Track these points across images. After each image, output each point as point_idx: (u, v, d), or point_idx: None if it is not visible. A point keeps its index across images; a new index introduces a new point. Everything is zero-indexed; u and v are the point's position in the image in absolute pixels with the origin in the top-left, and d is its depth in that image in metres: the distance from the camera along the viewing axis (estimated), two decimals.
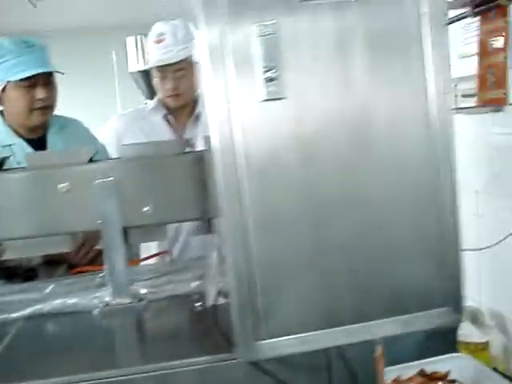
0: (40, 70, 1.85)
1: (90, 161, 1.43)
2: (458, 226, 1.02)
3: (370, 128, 0.97)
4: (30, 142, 1.96)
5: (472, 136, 2.73)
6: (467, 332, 2.73)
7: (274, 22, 0.92)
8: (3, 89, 1.88)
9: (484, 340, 2.66)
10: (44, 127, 2.01)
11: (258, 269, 0.95)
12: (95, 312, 1.39)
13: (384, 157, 0.98)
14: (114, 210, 1.37)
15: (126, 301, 1.41)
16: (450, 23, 1.96)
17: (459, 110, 2.69)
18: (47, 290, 1.52)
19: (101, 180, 1.37)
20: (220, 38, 0.91)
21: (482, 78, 1.87)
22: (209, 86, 0.92)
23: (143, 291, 1.48)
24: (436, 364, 2.24)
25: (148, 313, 1.37)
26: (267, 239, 0.95)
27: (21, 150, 1.89)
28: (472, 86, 2.57)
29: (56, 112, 2.05)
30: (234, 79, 0.92)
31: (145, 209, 1.39)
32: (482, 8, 1.72)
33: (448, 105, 0.98)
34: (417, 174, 0.99)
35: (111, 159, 1.44)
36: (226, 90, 0.92)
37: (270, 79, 0.92)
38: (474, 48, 2.52)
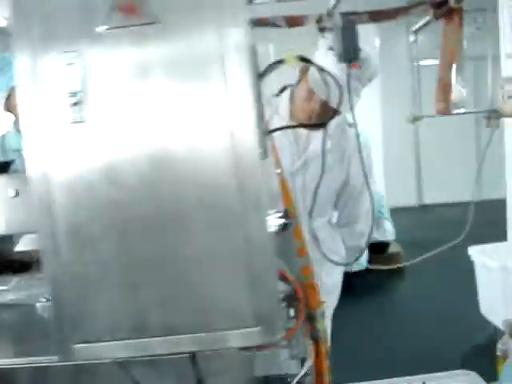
0: None
1: None
2: (270, 247, 1.02)
3: (172, 151, 1.00)
4: None
5: None
6: (507, 347, 2.54)
7: (77, 51, 0.99)
8: (8, 97, 2.13)
9: None
10: None
11: (71, 279, 1.03)
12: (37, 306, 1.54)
13: (187, 177, 1.00)
14: None
15: None
16: (418, 30, 1.86)
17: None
18: (11, 283, 1.71)
19: None
20: (31, 65, 1.00)
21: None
22: (23, 110, 1.01)
23: None
24: (441, 379, 2.15)
25: None
26: (78, 252, 1.03)
27: None
28: None
29: None
30: (45, 104, 1.01)
31: None
32: (443, 10, 1.62)
33: (252, 128, 0.99)
34: (221, 192, 1.00)
35: None
36: (38, 114, 1.01)
37: (75, 104, 1.00)
38: None
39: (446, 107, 1.68)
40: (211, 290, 1.03)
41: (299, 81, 2.22)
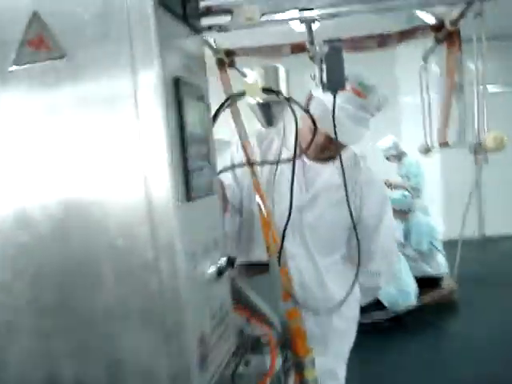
0: None
1: None
2: (186, 298, 0.93)
3: (83, 195, 0.94)
4: None
5: None
6: None
7: None
8: None
9: None
10: None
11: None
12: None
13: (98, 222, 0.94)
14: None
15: None
16: (426, 57, 1.72)
17: None
18: None
19: None
20: None
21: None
22: None
23: None
24: None
25: None
26: None
27: None
28: None
29: None
30: None
31: None
32: (444, 34, 1.49)
33: (165, 171, 0.91)
34: (133, 239, 0.93)
35: None
36: None
37: None
38: None
39: (444, 139, 1.53)
40: (122, 342, 0.95)
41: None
